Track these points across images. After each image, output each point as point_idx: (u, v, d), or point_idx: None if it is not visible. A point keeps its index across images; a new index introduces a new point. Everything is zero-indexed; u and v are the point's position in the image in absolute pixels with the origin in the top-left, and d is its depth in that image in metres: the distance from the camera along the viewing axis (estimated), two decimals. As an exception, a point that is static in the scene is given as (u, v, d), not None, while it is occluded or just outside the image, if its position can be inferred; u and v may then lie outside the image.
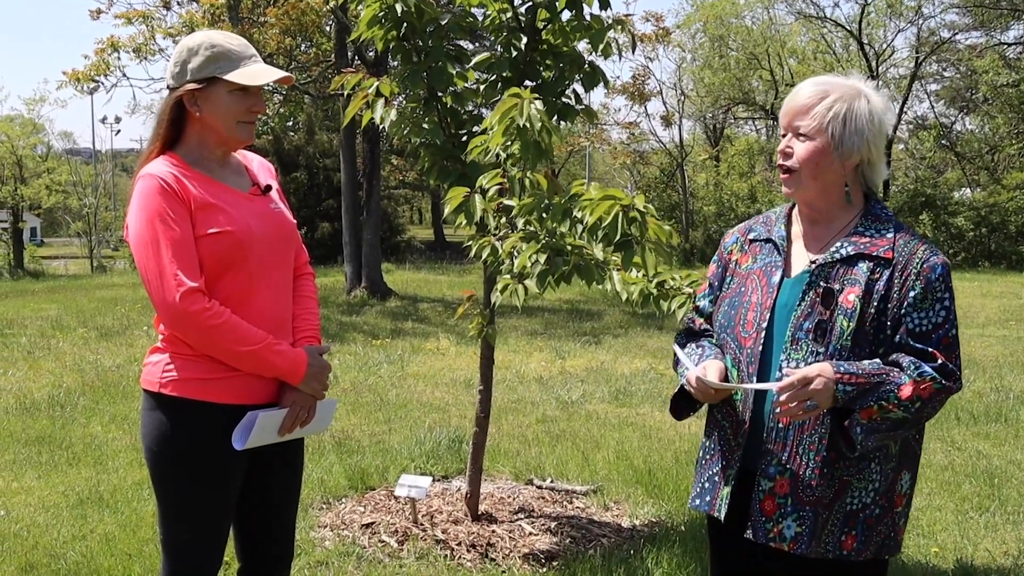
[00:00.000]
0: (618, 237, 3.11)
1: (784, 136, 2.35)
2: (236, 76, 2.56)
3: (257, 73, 2.60)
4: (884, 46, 32.44)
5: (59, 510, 5.00)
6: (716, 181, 34.02)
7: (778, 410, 2.21)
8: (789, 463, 2.27)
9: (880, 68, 31.66)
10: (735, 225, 2.68)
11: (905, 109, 32.81)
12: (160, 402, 2.57)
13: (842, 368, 2.17)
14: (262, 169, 2.80)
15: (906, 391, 2.16)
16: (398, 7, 3.96)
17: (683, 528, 4.72)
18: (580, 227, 3.27)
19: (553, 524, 4.71)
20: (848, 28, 31.89)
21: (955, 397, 7.90)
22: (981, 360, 10.30)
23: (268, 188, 2.74)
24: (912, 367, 2.19)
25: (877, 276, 2.24)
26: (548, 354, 10.80)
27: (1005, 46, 30.87)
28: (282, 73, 2.67)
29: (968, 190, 31.85)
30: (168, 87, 2.63)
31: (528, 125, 3.37)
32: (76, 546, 4.45)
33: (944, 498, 5.34)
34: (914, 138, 34.89)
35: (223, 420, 2.55)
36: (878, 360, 2.21)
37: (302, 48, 20.53)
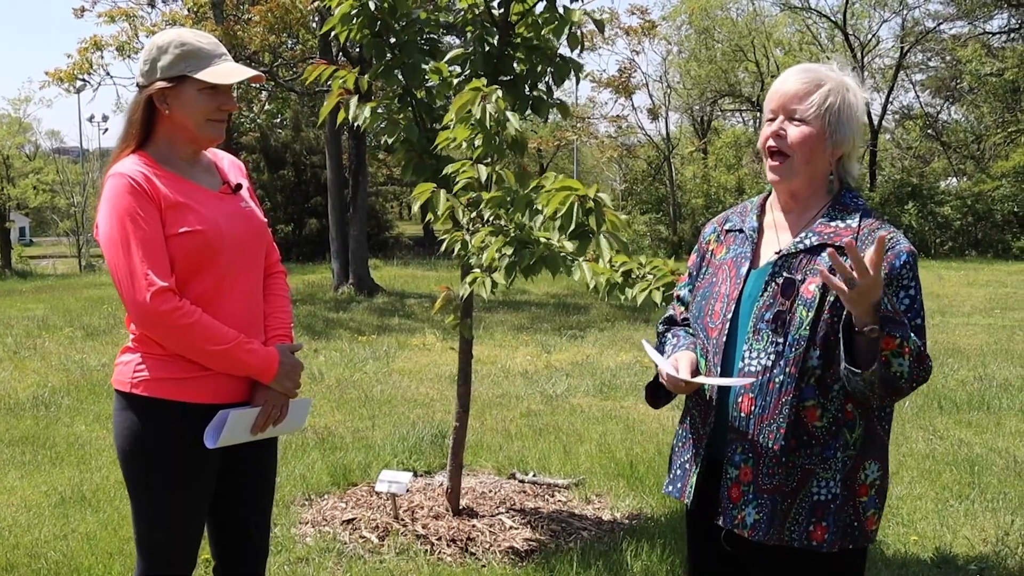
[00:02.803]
0: (573, 227, 3.12)
1: (772, 119, 2.32)
2: (206, 75, 2.55)
3: (227, 72, 2.59)
4: (869, 36, 32.60)
5: (41, 510, 5.00)
6: (704, 173, 34.09)
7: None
8: (751, 451, 2.28)
9: (865, 58, 31.76)
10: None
11: (891, 99, 32.94)
12: (131, 402, 2.58)
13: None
14: (232, 167, 2.79)
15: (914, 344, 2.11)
16: (371, 3, 3.96)
17: (663, 520, 4.74)
18: (540, 218, 3.28)
19: (534, 518, 4.73)
20: (833, 19, 32.01)
21: (938, 386, 8.04)
22: (965, 349, 10.36)
23: (239, 187, 2.73)
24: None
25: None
26: (534, 348, 10.82)
27: (989, 35, 30.99)
28: (252, 72, 2.66)
29: (954, 179, 31.98)
30: (138, 85, 2.62)
31: (483, 118, 3.36)
32: (57, 545, 4.45)
33: (924, 487, 5.37)
34: (900, 128, 35.01)
35: (195, 420, 2.55)
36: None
37: (288, 45, 20.51)
